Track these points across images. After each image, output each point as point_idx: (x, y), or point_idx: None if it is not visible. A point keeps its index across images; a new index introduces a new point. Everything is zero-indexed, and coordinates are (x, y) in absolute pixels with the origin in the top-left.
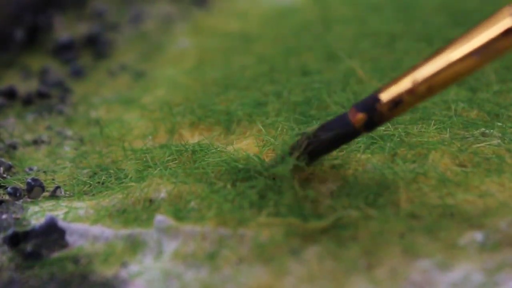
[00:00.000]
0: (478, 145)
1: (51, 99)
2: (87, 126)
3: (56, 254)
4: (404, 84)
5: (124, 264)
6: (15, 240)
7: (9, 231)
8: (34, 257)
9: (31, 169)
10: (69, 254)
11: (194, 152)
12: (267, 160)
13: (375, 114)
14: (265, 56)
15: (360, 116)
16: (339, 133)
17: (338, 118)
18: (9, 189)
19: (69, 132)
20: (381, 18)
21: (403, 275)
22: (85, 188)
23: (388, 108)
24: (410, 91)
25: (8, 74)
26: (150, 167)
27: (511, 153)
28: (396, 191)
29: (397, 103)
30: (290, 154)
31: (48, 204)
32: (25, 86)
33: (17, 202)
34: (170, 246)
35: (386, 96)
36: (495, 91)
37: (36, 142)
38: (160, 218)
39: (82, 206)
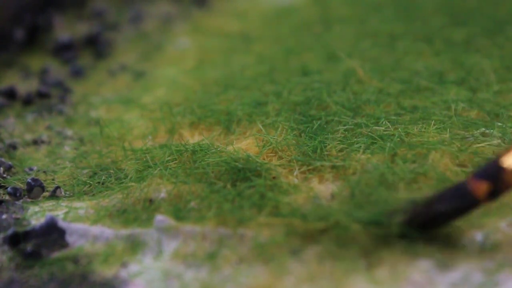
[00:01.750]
0: (478, 145)
1: (51, 99)
2: (87, 126)
3: (56, 254)
4: None
5: (124, 264)
6: (15, 240)
7: (9, 231)
8: (34, 257)
9: (31, 169)
10: (69, 254)
11: (194, 152)
12: (267, 160)
13: (500, 182)
14: (265, 56)
15: (484, 186)
16: (458, 205)
17: (455, 188)
18: (9, 189)
19: (69, 132)
20: (381, 18)
21: (403, 275)
22: (85, 188)
23: None
24: None
25: (8, 74)
26: (150, 167)
27: None
28: (396, 191)
29: None
30: (397, 214)
31: (48, 204)
32: (25, 86)
33: (17, 202)
34: (170, 246)
35: (510, 161)
36: (495, 91)
37: (36, 142)
38: (160, 218)
39: (82, 206)
